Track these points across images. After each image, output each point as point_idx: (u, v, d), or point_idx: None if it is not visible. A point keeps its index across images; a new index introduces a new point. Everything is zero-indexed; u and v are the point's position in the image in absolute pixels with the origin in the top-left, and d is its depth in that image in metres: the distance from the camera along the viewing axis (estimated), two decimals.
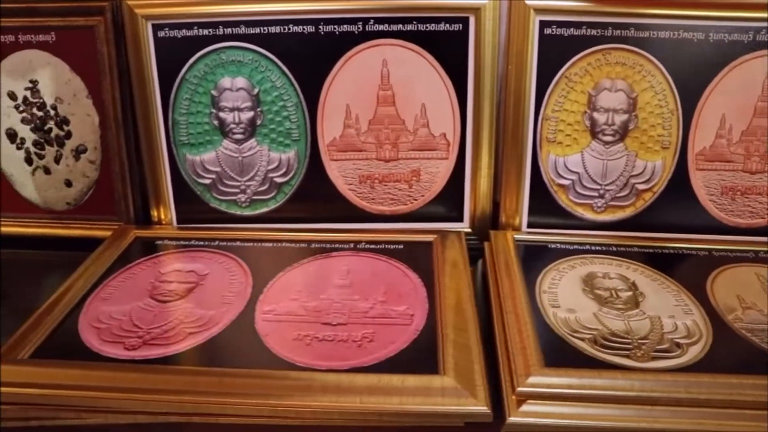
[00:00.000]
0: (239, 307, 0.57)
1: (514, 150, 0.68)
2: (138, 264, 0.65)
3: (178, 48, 0.67)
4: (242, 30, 0.66)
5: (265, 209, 0.72)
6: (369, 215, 0.71)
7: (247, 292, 0.60)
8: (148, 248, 0.68)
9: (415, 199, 0.71)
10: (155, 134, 0.69)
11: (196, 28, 0.66)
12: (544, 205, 0.70)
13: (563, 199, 0.70)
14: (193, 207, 0.72)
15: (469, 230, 0.71)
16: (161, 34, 0.66)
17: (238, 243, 0.68)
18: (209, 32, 0.66)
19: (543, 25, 0.65)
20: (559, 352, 0.51)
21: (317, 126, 0.69)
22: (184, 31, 0.66)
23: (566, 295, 0.59)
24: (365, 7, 0.65)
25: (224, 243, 0.68)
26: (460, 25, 0.65)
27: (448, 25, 0.65)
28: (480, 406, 0.46)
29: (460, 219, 0.71)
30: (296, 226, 0.71)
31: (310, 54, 0.66)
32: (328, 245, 0.67)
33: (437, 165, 0.70)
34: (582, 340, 0.53)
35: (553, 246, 0.67)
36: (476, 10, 0.64)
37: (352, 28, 0.65)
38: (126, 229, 0.71)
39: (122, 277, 0.63)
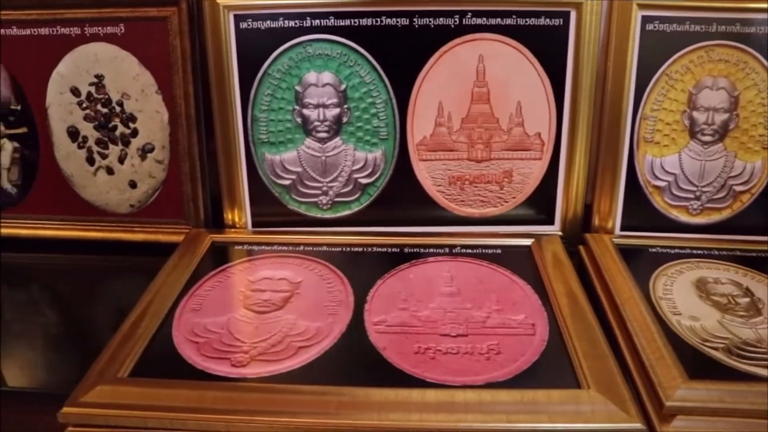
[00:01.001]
0: (346, 318, 0.54)
1: (611, 150, 0.66)
2: (222, 271, 0.61)
3: (261, 40, 0.62)
4: (331, 22, 0.62)
5: (347, 212, 0.68)
6: (457, 218, 0.68)
7: (350, 301, 0.56)
8: (228, 254, 0.64)
9: (506, 201, 0.68)
10: (232, 132, 0.65)
11: (281, 19, 0.62)
12: (639, 208, 0.67)
13: (658, 201, 0.67)
14: (270, 209, 0.68)
15: (560, 233, 0.68)
16: (243, 25, 0.62)
17: (324, 248, 0.64)
18: (295, 24, 0.62)
19: (645, 20, 0.62)
20: (698, 363, 0.48)
21: (407, 124, 0.65)
22: (268, 22, 0.62)
23: (683, 301, 0.56)
24: None
25: (310, 248, 0.64)
26: (561, 20, 0.62)
27: (548, 20, 0.62)
28: (634, 423, 0.43)
29: (551, 222, 0.68)
30: (380, 230, 0.67)
31: (402, 48, 0.63)
32: (422, 250, 0.63)
33: (530, 165, 0.67)
34: (715, 349, 0.50)
35: (653, 250, 0.64)
36: (578, 5, 0.62)
37: (449, 21, 0.62)
38: (199, 233, 0.67)
39: (208, 285, 0.59)
